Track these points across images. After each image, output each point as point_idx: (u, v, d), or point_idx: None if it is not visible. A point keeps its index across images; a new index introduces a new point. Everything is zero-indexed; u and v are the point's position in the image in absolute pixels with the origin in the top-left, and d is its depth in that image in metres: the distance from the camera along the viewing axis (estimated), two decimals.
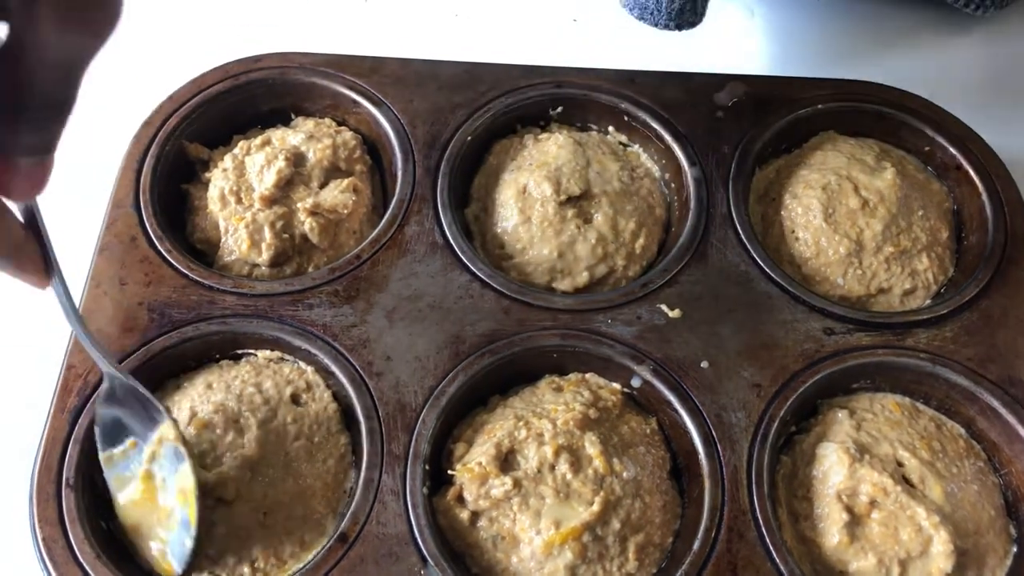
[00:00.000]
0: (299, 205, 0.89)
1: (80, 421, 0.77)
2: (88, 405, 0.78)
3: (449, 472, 0.78)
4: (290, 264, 0.90)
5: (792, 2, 1.19)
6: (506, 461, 0.77)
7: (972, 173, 0.94)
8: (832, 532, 0.76)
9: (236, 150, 0.93)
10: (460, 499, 0.77)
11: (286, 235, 0.88)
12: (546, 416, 0.79)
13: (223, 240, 0.90)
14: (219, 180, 0.91)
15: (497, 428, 0.79)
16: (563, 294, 0.89)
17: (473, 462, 0.77)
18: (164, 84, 0.95)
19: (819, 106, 0.97)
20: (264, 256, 0.88)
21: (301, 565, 0.75)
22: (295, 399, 0.82)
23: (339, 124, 0.98)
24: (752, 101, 0.97)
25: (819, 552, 0.77)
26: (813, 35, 1.18)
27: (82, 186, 0.96)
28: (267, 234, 0.88)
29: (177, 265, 0.86)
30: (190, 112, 0.94)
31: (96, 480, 0.77)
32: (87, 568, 0.72)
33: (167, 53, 1.09)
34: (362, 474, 0.77)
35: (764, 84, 0.99)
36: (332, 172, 0.93)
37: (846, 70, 1.01)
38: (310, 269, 0.89)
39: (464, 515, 0.76)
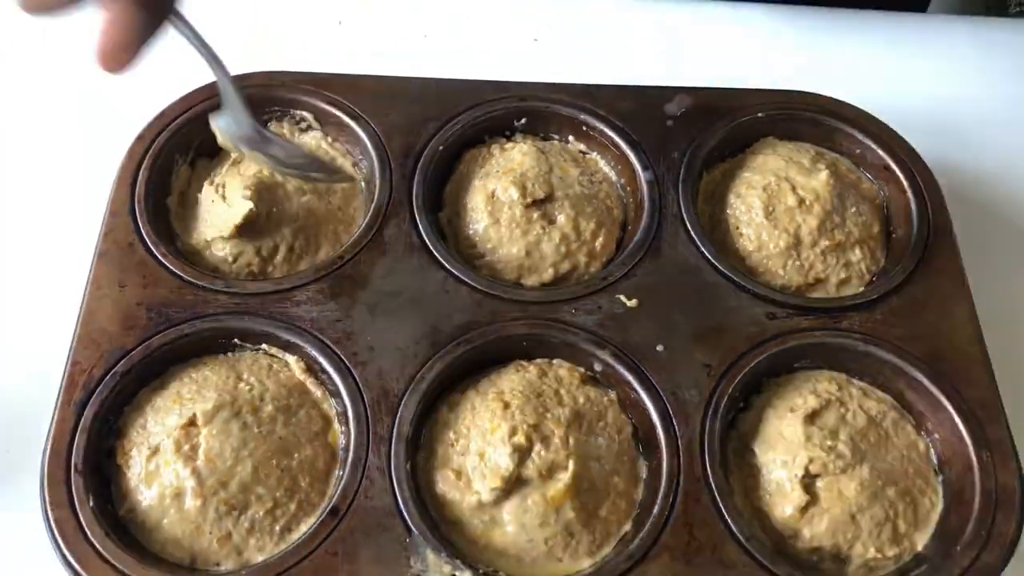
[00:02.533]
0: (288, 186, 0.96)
1: (86, 412, 0.82)
2: (92, 397, 0.83)
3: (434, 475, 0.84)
4: (263, 240, 0.93)
5: (747, 17, 1.27)
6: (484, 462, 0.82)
7: (898, 173, 1.01)
8: (782, 502, 0.83)
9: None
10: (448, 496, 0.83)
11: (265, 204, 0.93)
12: (515, 399, 0.84)
13: (200, 215, 0.96)
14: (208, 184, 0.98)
15: (467, 424, 0.85)
16: (531, 288, 0.94)
17: (450, 469, 0.83)
18: (156, 102, 1.00)
19: (759, 114, 1.04)
20: (238, 210, 0.91)
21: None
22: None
23: None
24: (699, 111, 1.03)
25: (769, 519, 0.84)
26: (761, 50, 1.26)
27: (82, 196, 1.01)
28: (241, 189, 0.93)
29: (172, 268, 0.91)
30: (180, 127, 0.99)
31: (102, 467, 0.83)
32: (97, 545, 0.76)
33: (159, 73, 1.15)
34: (350, 454, 0.82)
35: (709, 95, 1.05)
36: None
37: (807, 82, 1.08)
38: (282, 250, 0.94)
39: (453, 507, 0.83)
